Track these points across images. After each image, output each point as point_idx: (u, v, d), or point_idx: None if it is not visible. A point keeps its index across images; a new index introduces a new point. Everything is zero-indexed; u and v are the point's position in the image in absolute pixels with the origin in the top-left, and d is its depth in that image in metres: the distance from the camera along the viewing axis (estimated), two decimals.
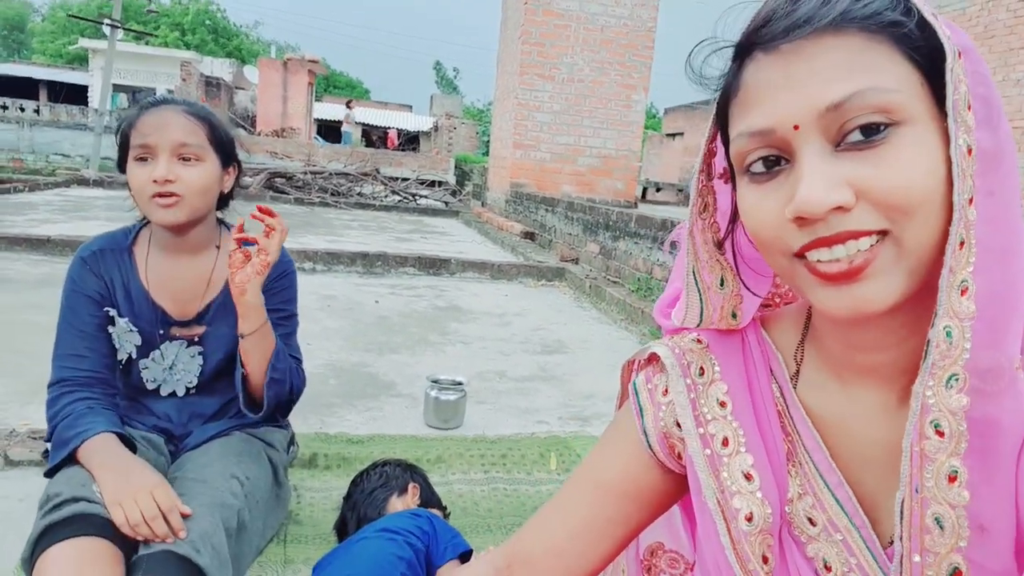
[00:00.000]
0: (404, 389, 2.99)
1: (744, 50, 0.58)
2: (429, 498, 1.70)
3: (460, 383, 2.66)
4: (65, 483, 1.25)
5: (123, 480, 1.24)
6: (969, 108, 0.53)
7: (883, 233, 0.53)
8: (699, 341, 0.74)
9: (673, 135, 25.74)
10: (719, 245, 0.71)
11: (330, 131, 30.54)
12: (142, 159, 1.42)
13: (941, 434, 0.54)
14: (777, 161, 0.57)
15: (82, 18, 23.03)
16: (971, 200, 0.53)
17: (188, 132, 1.43)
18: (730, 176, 0.66)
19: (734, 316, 0.73)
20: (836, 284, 0.55)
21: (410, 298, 5.04)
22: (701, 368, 0.72)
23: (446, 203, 13.87)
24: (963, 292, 0.53)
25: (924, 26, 0.54)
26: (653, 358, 0.77)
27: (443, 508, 1.74)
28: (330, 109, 31.41)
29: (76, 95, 27.76)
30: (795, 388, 0.69)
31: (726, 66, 0.61)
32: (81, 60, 31.52)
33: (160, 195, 1.41)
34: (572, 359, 3.75)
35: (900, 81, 0.53)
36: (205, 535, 1.24)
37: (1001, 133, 0.55)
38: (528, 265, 6.43)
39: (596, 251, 6.40)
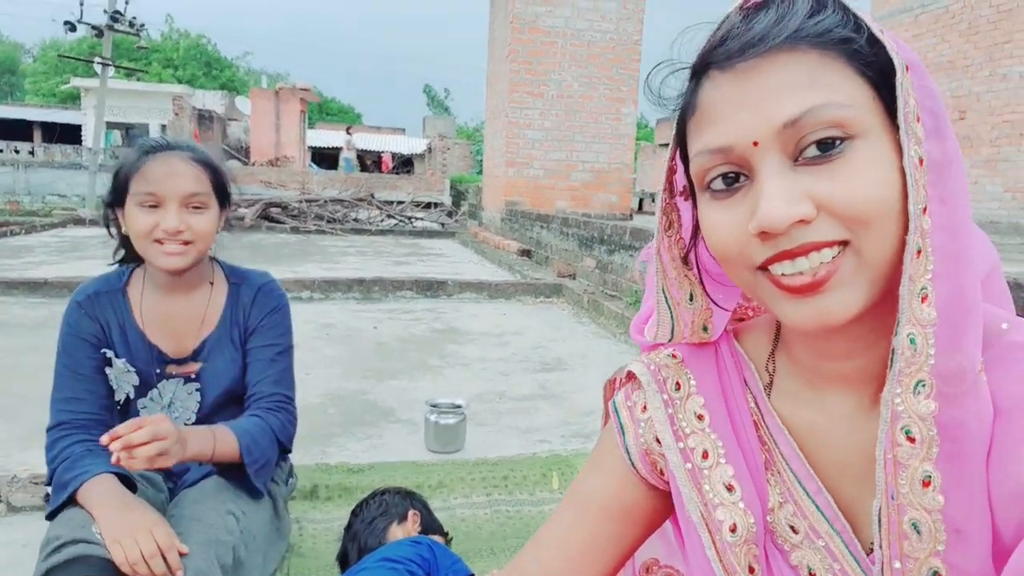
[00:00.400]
0: (404, 415, 2.99)
1: (700, 69, 0.59)
2: (430, 524, 1.69)
3: (459, 406, 2.66)
4: (65, 525, 1.25)
5: (122, 519, 1.24)
6: (918, 120, 0.55)
7: (844, 243, 0.55)
8: (674, 356, 0.75)
9: (666, 145, 25.82)
10: (685, 261, 0.72)
11: (324, 158, 30.71)
12: (148, 205, 1.43)
13: (912, 440, 0.55)
14: (736, 178, 0.58)
15: (73, 57, 23.23)
16: (925, 209, 0.54)
17: (196, 181, 1.45)
18: (690, 193, 0.67)
19: (705, 330, 0.74)
20: (800, 296, 0.56)
21: (408, 322, 5.04)
22: (677, 383, 0.73)
23: (442, 224, 13.92)
24: (923, 299, 0.54)
25: (874, 42, 0.55)
26: (631, 376, 0.78)
27: (445, 534, 1.74)
28: (324, 136, 31.62)
29: (70, 134, 27.96)
30: (769, 398, 0.70)
31: (683, 86, 0.63)
32: (74, 99, 31.75)
33: (165, 241, 1.43)
34: (572, 376, 3.74)
35: (853, 96, 0.54)
36: (200, 573, 1.24)
37: (949, 143, 0.56)
38: (525, 283, 6.44)
39: (592, 266, 6.42)
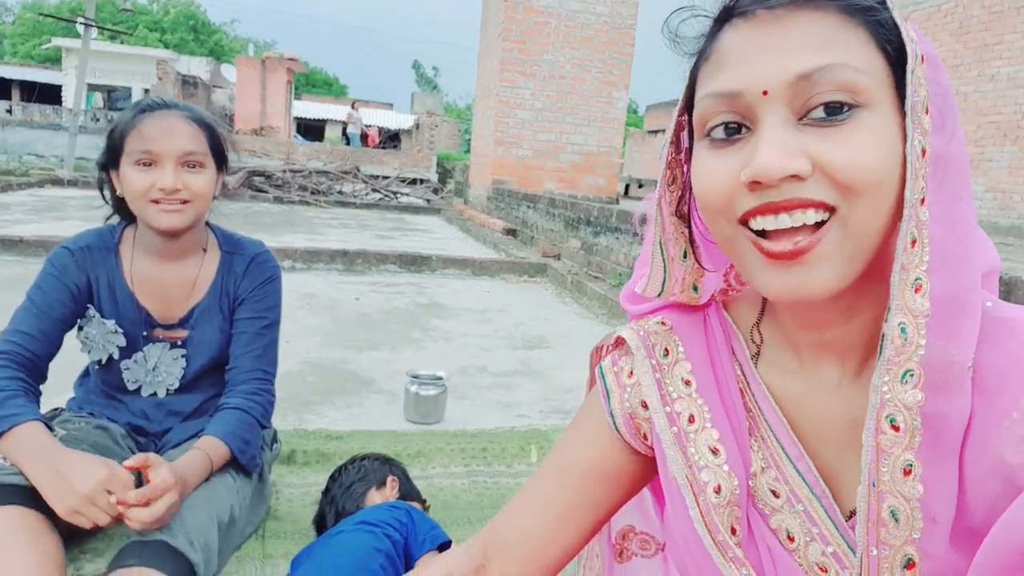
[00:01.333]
0: (384, 385, 2.98)
1: (723, 16, 0.59)
2: (408, 491, 1.69)
3: (440, 378, 2.65)
4: None
5: (63, 484, 1.16)
6: (927, 112, 0.54)
7: (831, 210, 0.54)
8: (663, 324, 0.75)
9: (655, 132, 25.85)
10: (682, 217, 0.72)
11: (310, 130, 30.36)
12: (144, 164, 1.39)
13: (897, 428, 0.55)
14: (738, 129, 0.58)
15: (55, 16, 22.68)
16: (923, 200, 0.54)
17: (193, 140, 1.42)
18: (689, 147, 0.66)
19: (695, 289, 0.74)
20: (779, 263, 0.56)
21: (391, 295, 5.01)
22: (666, 349, 0.73)
23: (428, 200, 13.83)
24: (917, 289, 0.54)
25: (895, 25, 0.55)
26: (619, 342, 0.78)
27: (423, 501, 1.73)
28: (309, 107, 31.24)
29: (50, 95, 27.37)
30: (756, 366, 0.71)
31: (703, 32, 0.62)
32: (54, 60, 31.06)
33: (162, 200, 1.40)
34: (554, 354, 3.75)
35: (869, 65, 0.54)
36: (200, 529, 1.24)
37: (955, 142, 0.57)
38: (510, 261, 6.43)
39: (578, 247, 6.42)
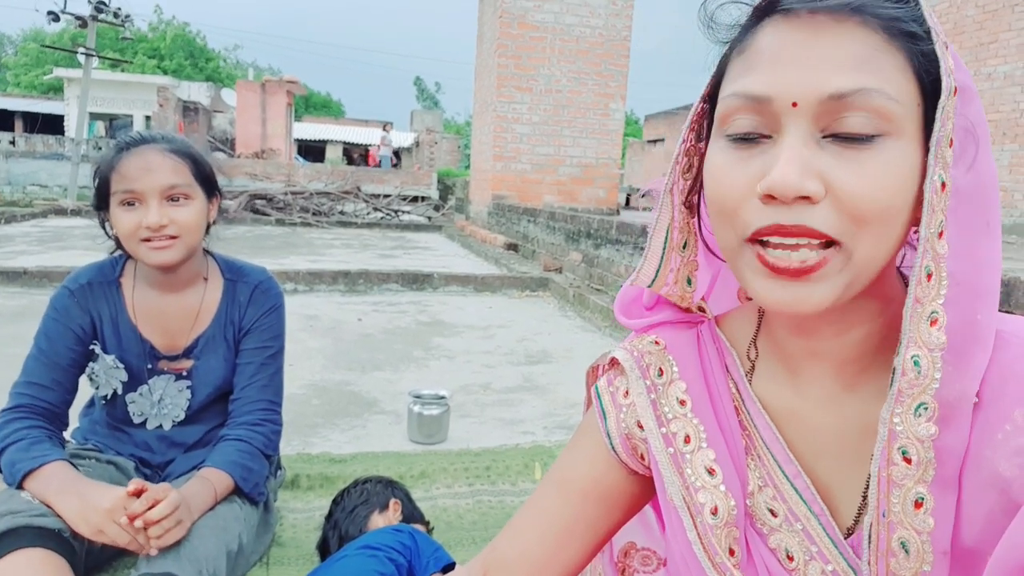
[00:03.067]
0: (388, 406, 2.97)
1: (766, 9, 0.57)
2: (411, 513, 1.68)
3: (443, 397, 2.64)
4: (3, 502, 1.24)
5: (85, 505, 1.22)
6: (950, 144, 0.53)
7: (836, 244, 0.53)
8: (657, 343, 0.75)
9: (654, 141, 25.91)
10: (690, 208, 0.71)
11: (310, 151, 30.53)
12: (128, 203, 1.39)
13: (909, 461, 0.55)
14: (758, 132, 0.56)
15: (56, 48, 22.97)
16: (941, 234, 0.53)
17: (174, 173, 1.40)
18: (707, 135, 0.64)
19: (689, 283, 0.74)
20: (780, 277, 0.55)
21: (393, 314, 5.02)
22: (660, 369, 0.73)
23: (429, 218, 13.88)
24: (933, 323, 0.54)
25: (933, 57, 0.54)
26: (614, 362, 0.78)
27: (426, 523, 1.73)
28: (310, 128, 31.42)
29: (52, 125, 27.59)
30: (750, 384, 0.70)
31: (739, 21, 0.60)
32: (56, 90, 31.34)
33: (154, 239, 1.39)
34: (557, 368, 3.74)
35: (902, 93, 0.53)
36: (209, 559, 1.25)
37: (983, 173, 0.55)
38: (511, 276, 6.43)
39: (579, 260, 6.42)
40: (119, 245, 1.54)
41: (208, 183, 1.50)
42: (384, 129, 25.99)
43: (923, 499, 0.55)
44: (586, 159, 10.48)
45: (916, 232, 0.56)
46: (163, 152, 1.41)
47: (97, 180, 1.44)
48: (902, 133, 0.53)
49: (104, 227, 1.52)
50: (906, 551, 0.56)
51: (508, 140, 10.24)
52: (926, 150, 0.54)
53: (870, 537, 0.58)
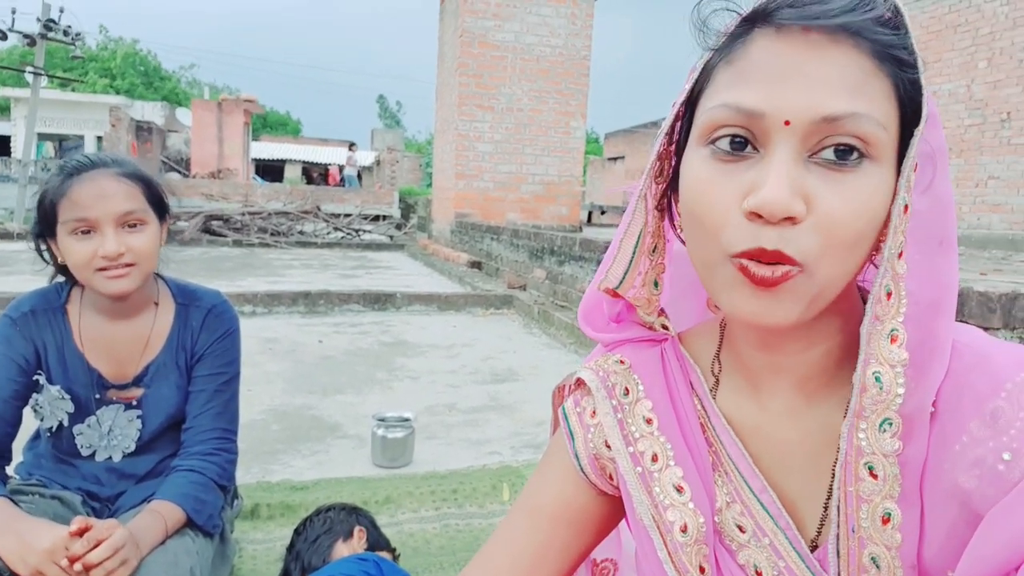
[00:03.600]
0: (351, 430, 2.90)
1: (760, 17, 0.55)
2: (376, 541, 1.63)
3: (407, 419, 2.59)
4: None
5: (23, 545, 1.16)
6: (915, 169, 0.54)
7: (800, 267, 0.53)
8: (621, 362, 0.74)
9: (615, 159, 26.25)
10: (661, 211, 0.71)
11: (268, 170, 30.19)
12: (82, 232, 1.32)
13: (875, 476, 0.56)
14: (744, 145, 0.55)
15: (2, 67, 22.33)
16: (900, 254, 0.54)
17: (130, 199, 1.34)
18: (681, 141, 0.63)
19: (656, 285, 0.73)
20: (758, 288, 0.54)
21: (355, 335, 4.94)
22: (626, 388, 0.72)
23: (391, 237, 13.80)
24: (893, 340, 0.55)
25: (917, 85, 0.55)
26: (580, 382, 0.77)
27: (392, 550, 1.68)
28: (267, 148, 31.11)
29: None
30: (715, 399, 0.70)
31: (727, 28, 0.58)
32: (3, 110, 30.46)
33: (108, 268, 1.33)
34: (523, 386, 3.71)
35: (887, 119, 0.53)
36: None
37: (942, 195, 0.57)
38: (476, 295, 6.40)
39: (543, 277, 6.42)
40: (63, 272, 1.47)
41: (160, 206, 1.44)
42: (350, 149, 25.92)
43: (891, 514, 0.56)
44: (548, 177, 10.55)
45: (877, 253, 0.57)
46: (116, 177, 1.35)
47: (42, 206, 1.36)
48: (883, 158, 0.53)
49: (42, 255, 1.44)
50: (877, 566, 0.56)
51: (470, 158, 10.25)
52: (896, 173, 0.55)
53: (839, 552, 0.58)
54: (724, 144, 0.55)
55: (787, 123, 0.52)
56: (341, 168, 29.41)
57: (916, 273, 0.55)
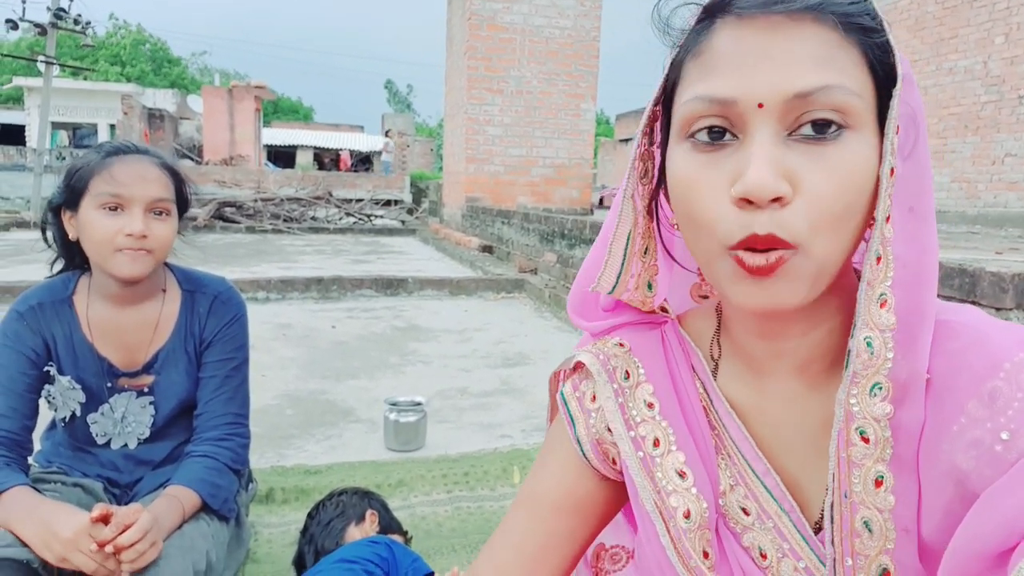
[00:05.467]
0: (364, 414, 2.94)
1: (718, 8, 0.56)
2: (388, 524, 1.66)
3: (419, 403, 2.62)
4: None
5: (49, 533, 1.18)
6: (897, 131, 0.54)
7: (795, 248, 0.53)
8: (621, 345, 0.74)
9: (626, 140, 26.08)
10: (650, 212, 0.70)
11: (280, 156, 30.24)
12: (111, 208, 1.35)
13: (867, 440, 0.56)
14: (722, 134, 0.55)
15: (15, 56, 22.43)
16: (888, 218, 0.54)
17: (163, 187, 1.39)
18: (663, 140, 0.64)
19: (650, 287, 0.73)
20: (756, 278, 0.55)
21: (368, 320, 4.97)
22: (627, 372, 0.72)
23: (402, 222, 13.82)
24: (882, 304, 0.55)
25: (886, 47, 0.55)
26: (579, 366, 0.77)
27: (404, 533, 1.70)
28: (279, 134, 31.13)
29: (12, 135, 27.01)
30: (716, 381, 0.70)
31: (690, 23, 0.59)
32: (16, 100, 30.64)
33: (127, 249, 1.35)
34: (534, 370, 3.73)
35: (861, 87, 0.53)
36: None
37: (922, 158, 0.56)
38: (487, 279, 6.41)
39: (554, 260, 6.42)
40: (66, 254, 1.49)
41: (183, 200, 1.48)
42: (387, 135, 26.10)
43: (883, 477, 0.56)
44: (559, 160, 10.50)
45: (871, 228, 0.57)
46: (155, 165, 1.40)
47: (73, 177, 1.38)
48: (862, 125, 0.53)
49: (45, 234, 1.47)
50: (869, 530, 0.57)
51: (480, 142, 10.23)
52: (879, 139, 0.55)
53: (832, 518, 0.58)
54: (703, 136, 0.56)
55: (760, 105, 0.53)
56: (352, 153, 29.45)
57: (901, 237, 0.55)
